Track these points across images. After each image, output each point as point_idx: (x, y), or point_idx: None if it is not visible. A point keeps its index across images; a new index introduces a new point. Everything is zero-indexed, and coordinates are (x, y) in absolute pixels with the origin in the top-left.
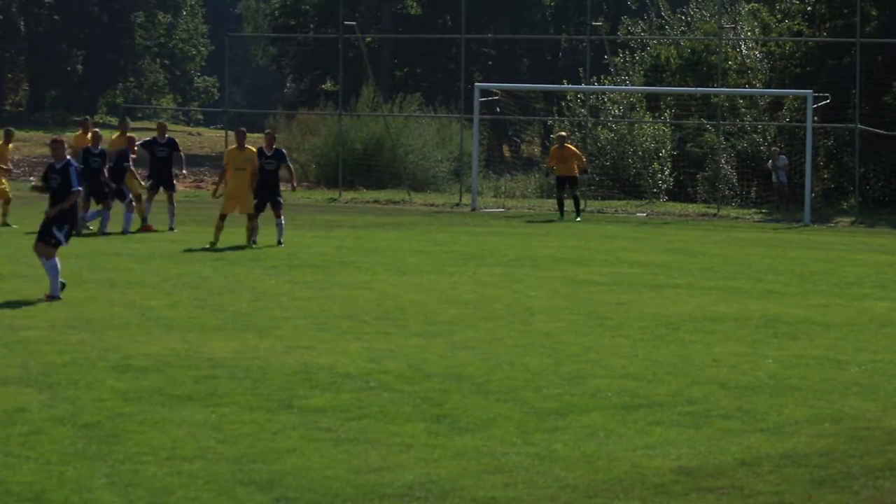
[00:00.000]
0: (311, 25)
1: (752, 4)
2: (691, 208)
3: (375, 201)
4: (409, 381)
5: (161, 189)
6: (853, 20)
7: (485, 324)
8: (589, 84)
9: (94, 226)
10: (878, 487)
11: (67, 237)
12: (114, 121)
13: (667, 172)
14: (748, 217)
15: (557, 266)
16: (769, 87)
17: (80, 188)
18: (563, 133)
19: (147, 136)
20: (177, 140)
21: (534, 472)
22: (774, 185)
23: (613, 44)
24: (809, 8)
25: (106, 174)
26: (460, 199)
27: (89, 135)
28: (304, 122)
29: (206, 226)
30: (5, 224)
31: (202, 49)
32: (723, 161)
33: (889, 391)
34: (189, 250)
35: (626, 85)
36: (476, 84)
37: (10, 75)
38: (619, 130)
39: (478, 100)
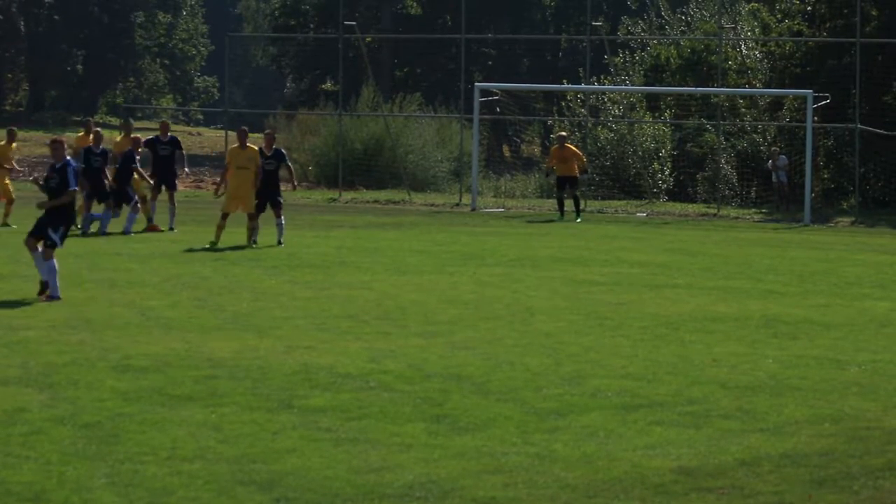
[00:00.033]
0: (311, 25)
1: (752, 4)
2: (691, 208)
3: (375, 201)
4: (409, 381)
5: (163, 188)
6: (853, 20)
7: (485, 324)
8: (589, 84)
9: (93, 227)
10: (878, 487)
11: (62, 239)
12: (114, 121)
13: (667, 172)
14: (748, 217)
15: (557, 266)
16: (769, 87)
17: (76, 188)
18: (564, 133)
19: (149, 136)
20: (179, 139)
21: (534, 472)
22: (774, 185)
23: (613, 44)
24: (809, 8)
25: (107, 174)
26: (460, 199)
27: (91, 135)
28: (304, 122)
29: (206, 226)
30: (5, 224)
31: (202, 49)
32: (723, 161)
33: (889, 391)
34: (189, 250)
35: (626, 85)
36: (476, 84)
37: (10, 75)
38: (619, 130)
39: (478, 100)
